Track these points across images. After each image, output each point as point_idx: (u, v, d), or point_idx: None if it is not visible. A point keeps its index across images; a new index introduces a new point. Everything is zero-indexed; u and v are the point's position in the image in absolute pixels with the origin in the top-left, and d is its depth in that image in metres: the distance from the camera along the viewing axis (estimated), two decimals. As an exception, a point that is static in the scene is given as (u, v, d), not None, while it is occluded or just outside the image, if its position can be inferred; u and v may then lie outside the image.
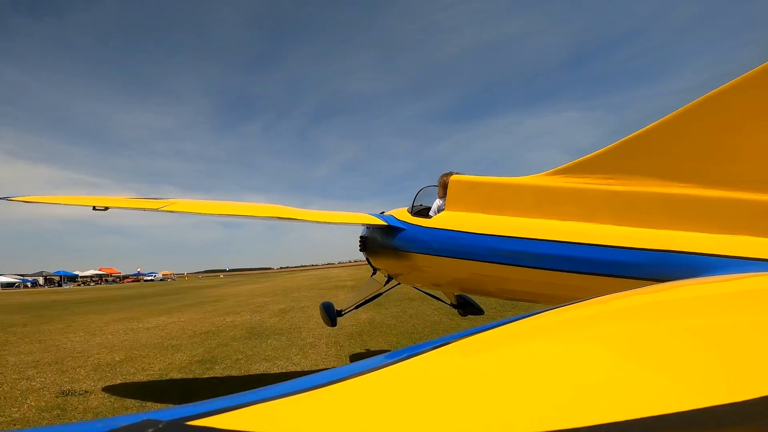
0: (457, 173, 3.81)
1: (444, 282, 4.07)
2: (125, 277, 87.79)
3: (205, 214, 4.39)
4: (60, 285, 68.69)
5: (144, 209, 4.29)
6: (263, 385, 0.60)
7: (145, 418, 0.46)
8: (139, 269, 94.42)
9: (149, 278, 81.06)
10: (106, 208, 4.08)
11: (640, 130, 1.98)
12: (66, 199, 4.49)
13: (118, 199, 4.72)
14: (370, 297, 5.88)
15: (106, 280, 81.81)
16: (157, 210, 4.10)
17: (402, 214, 4.61)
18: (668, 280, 1.61)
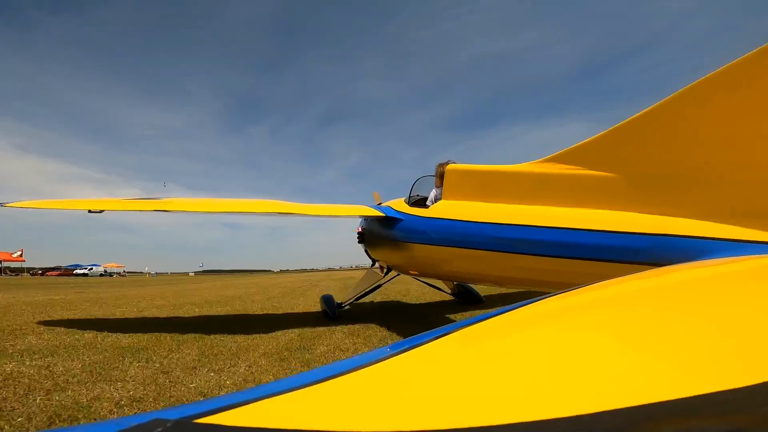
0: (453, 162, 3.80)
1: (443, 271, 4.09)
2: (50, 269, 65.82)
3: (202, 212, 4.40)
4: None
5: (140, 210, 4.32)
6: None
7: (154, 417, 0.46)
8: (18, 253, 64.99)
9: (82, 272, 58.04)
10: (102, 211, 4.12)
11: (630, 118, 1.98)
12: (61, 203, 4.53)
13: (113, 201, 4.73)
14: (370, 288, 5.91)
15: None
16: (153, 210, 4.12)
17: (399, 204, 4.61)
18: (666, 264, 1.62)
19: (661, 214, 1.98)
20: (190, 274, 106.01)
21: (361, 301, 6.34)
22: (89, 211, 4.10)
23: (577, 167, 2.31)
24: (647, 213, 2.03)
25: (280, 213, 4.33)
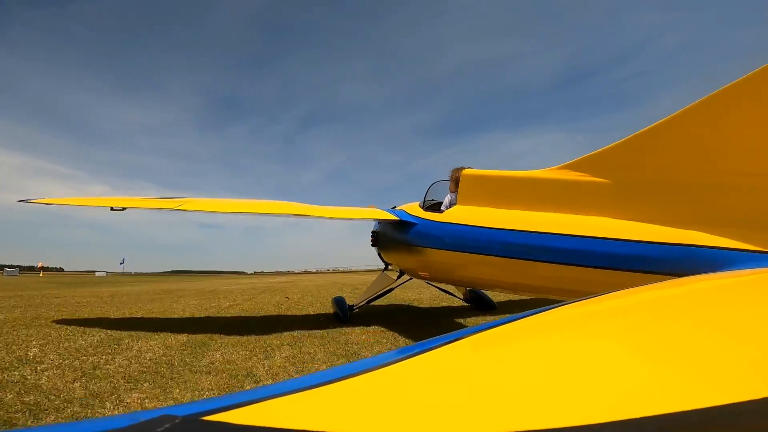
0: (468, 168, 3.78)
1: (456, 276, 4.07)
2: None
3: (220, 213, 4.54)
4: None
5: (161, 209, 4.52)
6: None
7: (163, 414, 0.47)
8: None
9: None
10: (124, 209, 4.32)
11: (652, 125, 1.93)
12: (85, 200, 4.76)
13: (135, 199, 4.90)
14: (382, 291, 5.92)
15: None
16: (173, 209, 4.30)
17: (413, 208, 4.60)
18: (687, 275, 1.57)
19: (683, 224, 1.92)
20: (98, 274, 71.22)
21: (371, 304, 6.34)
22: (111, 209, 4.29)
23: (596, 175, 2.27)
24: (669, 222, 1.98)
25: (295, 215, 4.40)
